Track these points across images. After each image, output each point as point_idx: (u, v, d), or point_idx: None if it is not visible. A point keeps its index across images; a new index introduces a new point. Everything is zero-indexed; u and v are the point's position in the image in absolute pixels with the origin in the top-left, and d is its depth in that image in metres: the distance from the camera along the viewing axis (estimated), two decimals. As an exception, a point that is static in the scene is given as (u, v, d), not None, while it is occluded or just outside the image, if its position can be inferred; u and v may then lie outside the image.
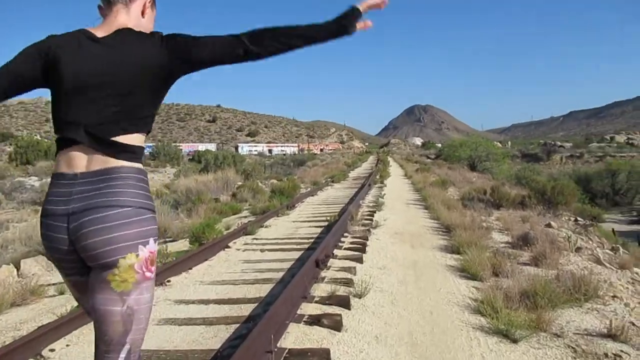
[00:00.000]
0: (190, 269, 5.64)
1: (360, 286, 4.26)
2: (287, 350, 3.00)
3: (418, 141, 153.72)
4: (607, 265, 6.30)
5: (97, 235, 1.40)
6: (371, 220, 8.57)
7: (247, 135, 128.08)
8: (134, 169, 1.49)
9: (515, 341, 3.43)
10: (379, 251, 6.26)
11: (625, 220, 24.95)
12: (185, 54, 1.51)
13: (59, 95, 1.49)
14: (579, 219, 12.04)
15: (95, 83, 1.46)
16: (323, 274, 4.86)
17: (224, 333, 3.53)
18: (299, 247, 6.69)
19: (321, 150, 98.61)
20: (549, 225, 8.81)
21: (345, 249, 6.23)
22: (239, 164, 28.70)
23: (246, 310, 4.03)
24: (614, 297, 4.60)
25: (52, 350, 3.33)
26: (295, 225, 9.01)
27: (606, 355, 3.23)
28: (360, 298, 4.13)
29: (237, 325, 3.67)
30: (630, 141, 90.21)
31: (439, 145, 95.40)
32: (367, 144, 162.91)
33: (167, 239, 8.42)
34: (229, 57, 1.52)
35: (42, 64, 1.50)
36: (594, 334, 3.60)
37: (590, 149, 75.60)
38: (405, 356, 3.21)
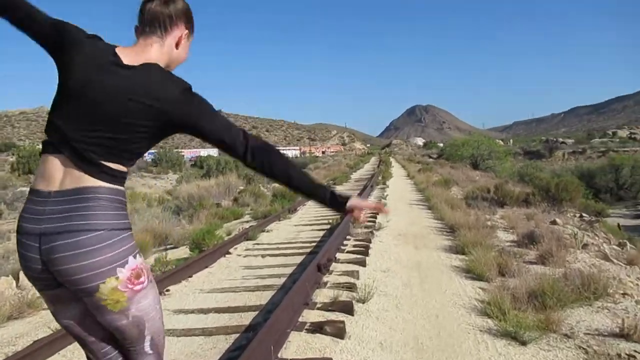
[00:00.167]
0: (190, 276, 5.54)
1: (363, 290, 4.15)
2: (288, 361, 2.90)
3: (420, 141, 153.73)
4: (615, 261, 6.18)
5: (71, 261, 1.35)
6: (374, 221, 8.47)
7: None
8: (110, 190, 1.42)
9: (524, 343, 3.33)
10: (382, 253, 6.16)
11: (630, 215, 24.84)
12: (196, 124, 1.48)
13: (61, 96, 1.45)
14: (584, 215, 11.89)
15: (99, 101, 1.40)
16: (325, 278, 4.75)
17: (223, 344, 3.43)
18: (300, 251, 6.59)
19: (323, 152, 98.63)
20: (554, 222, 8.68)
21: (347, 252, 6.12)
22: (241, 169, 28.67)
23: (247, 318, 3.93)
24: (624, 294, 4.48)
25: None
26: (297, 229, 8.92)
27: (619, 356, 3.12)
28: (363, 303, 4.02)
29: (237, 335, 3.57)
30: (633, 136, 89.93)
31: (441, 144, 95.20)
32: (368, 145, 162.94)
33: (169, 246, 8.34)
34: (227, 149, 1.51)
35: (54, 37, 1.45)
36: (606, 333, 3.49)
37: (592, 145, 75.40)
38: (411, 363, 3.11)
